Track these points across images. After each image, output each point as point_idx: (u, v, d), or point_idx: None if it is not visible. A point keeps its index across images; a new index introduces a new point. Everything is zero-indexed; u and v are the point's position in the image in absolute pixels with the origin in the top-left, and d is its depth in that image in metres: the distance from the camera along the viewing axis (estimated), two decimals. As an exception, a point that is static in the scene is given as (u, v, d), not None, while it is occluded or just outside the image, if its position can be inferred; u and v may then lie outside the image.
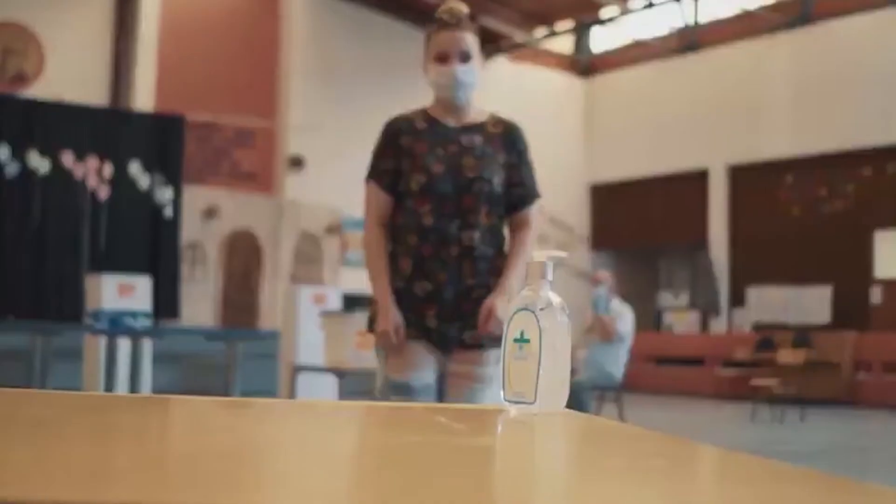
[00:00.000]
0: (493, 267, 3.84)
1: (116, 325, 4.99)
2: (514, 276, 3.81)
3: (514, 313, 1.59)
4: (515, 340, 1.57)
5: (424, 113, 3.97)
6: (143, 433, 1.19)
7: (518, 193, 3.95)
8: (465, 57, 3.83)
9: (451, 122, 3.92)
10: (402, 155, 3.86)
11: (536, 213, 4.00)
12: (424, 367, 3.82)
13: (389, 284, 3.82)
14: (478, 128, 3.93)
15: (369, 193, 3.94)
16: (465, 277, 3.80)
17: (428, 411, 1.63)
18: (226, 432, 1.30)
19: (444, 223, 3.78)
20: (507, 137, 3.95)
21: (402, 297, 3.82)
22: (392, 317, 3.74)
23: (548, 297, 1.57)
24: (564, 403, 1.59)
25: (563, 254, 1.66)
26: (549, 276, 1.60)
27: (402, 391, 3.77)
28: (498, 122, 3.98)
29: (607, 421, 1.53)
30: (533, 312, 1.56)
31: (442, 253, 3.78)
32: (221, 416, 1.48)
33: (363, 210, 3.94)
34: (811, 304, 18.91)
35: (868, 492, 0.87)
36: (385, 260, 3.86)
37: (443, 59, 3.83)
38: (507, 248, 3.97)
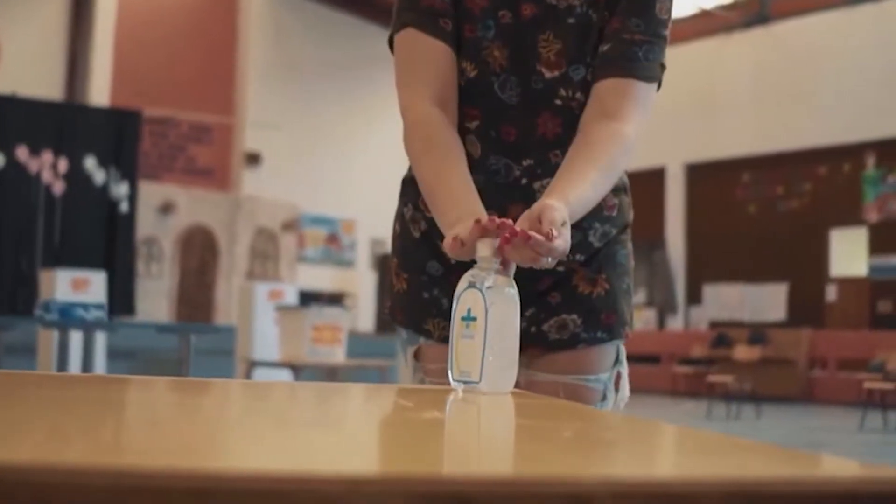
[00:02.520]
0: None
1: (67, 316, 4.93)
2: (584, 184, 1.79)
3: (462, 291, 1.55)
4: (463, 319, 1.54)
5: None
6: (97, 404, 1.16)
7: (610, 54, 1.97)
8: None
9: None
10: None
11: (640, 111, 2.03)
12: None
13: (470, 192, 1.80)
14: None
15: (405, 46, 1.99)
16: None
17: (369, 389, 1.60)
18: (178, 407, 1.27)
19: (501, 160, 2.01)
20: None
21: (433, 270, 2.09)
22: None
23: (495, 275, 1.53)
24: (513, 384, 1.56)
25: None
26: (498, 255, 1.55)
27: None
28: None
29: (558, 400, 1.51)
30: (480, 290, 1.52)
31: (496, 205, 1.88)
32: (173, 393, 1.45)
33: (396, 83, 2.01)
34: (767, 301, 19.05)
35: (823, 463, 0.85)
36: (455, 155, 1.88)
37: None
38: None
